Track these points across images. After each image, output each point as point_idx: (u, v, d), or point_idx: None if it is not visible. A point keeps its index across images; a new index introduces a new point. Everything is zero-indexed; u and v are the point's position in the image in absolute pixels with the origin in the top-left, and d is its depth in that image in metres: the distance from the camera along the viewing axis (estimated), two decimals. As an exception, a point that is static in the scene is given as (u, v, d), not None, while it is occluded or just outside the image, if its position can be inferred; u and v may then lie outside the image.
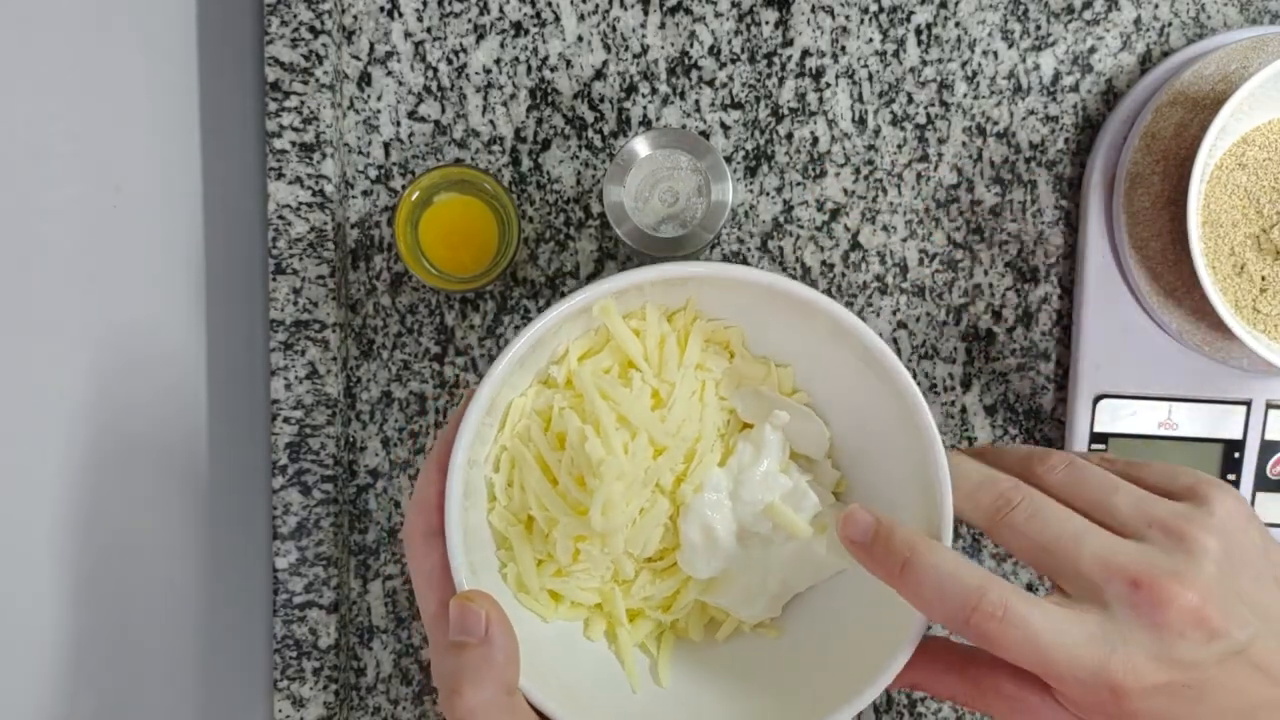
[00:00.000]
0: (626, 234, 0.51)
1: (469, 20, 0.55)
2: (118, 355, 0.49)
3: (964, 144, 0.56)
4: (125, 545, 0.50)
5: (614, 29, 0.55)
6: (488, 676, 0.37)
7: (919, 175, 0.56)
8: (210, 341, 0.55)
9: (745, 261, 0.56)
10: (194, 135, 0.55)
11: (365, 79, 0.56)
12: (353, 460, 0.57)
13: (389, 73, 0.56)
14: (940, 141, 0.56)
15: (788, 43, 0.55)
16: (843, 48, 0.55)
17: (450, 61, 0.56)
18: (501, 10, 0.55)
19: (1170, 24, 0.55)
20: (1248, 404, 0.55)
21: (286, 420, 0.55)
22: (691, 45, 0.55)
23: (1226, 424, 0.55)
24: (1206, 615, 0.36)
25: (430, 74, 0.56)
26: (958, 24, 0.55)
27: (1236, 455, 0.55)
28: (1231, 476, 0.55)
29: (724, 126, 0.56)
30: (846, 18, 0.55)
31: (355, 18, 0.55)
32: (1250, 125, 0.51)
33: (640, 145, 0.50)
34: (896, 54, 0.55)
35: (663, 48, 0.55)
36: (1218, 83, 0.51)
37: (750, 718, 0.43)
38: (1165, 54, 0.55)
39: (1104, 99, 0.56)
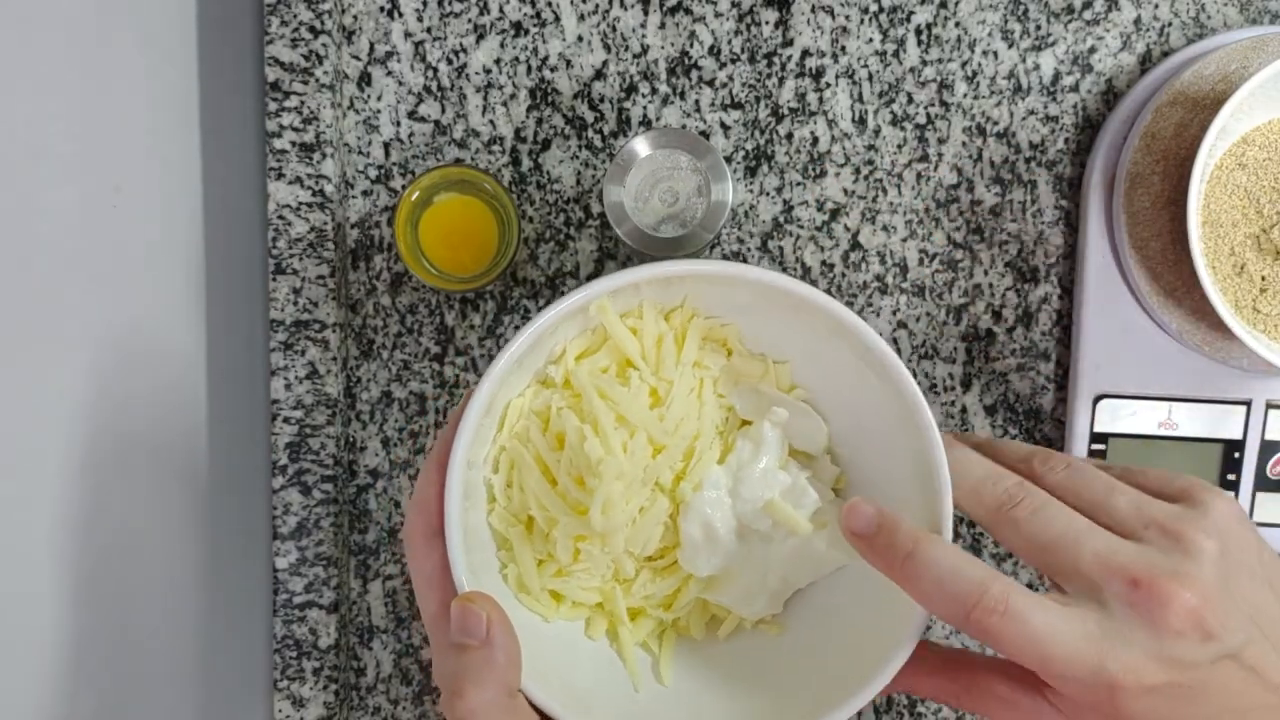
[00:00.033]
0: (626, 234, 0.51)
1: (469, 20, 0.55)
2: (118, 355, 0.49)
3: (964, 144, 0.56)
4: (125, 545, 0.50)
5: (614, 29, 0.55)
6: (489, 678, 0.37)
7: (919, 175, 0.56)
8: (210, 341, 0.55)
9: (745, 261, 0.56)
10: (194, 135, 0.55)
11: (365, 79, 0.56)
12: (353, 460, 0.57)
13: (389, 73, 0.56)
14: (940, 141, 0.56)
15: (788, 43, 0.55)
16: (843, 48, 0.55)
17: (450, 61, 0.56)
18: (501, 10, 0.55)
19: (1170, 24, 0.55)
20: (1248, 404, 0.55)
21: (286, 420, 0.55)
22: (691, 45, 0.55)
23: (1226, 424, 0.55)
24: (1204, 616, 0.36)
25: (430, 74, 0.56)
26: (958, 24, 0.55)
27: (1236, 455, 0.55)
28: (1231, 476, 0.55)
29: (724, 126, 0.56)
30: (846, 18, 0.55)
31: (355, 18, 0.55)
32: (1250, 125, 0.51)
33: (640, 145, 0.50)
34: (896, 54, 0.55)
35: (663, 48, 0.55)
36: (1218, 83, 0.51)
37: (753, 715, 0.43)
38: (1165, 54, 0.55)
39: (1104, 99, 0.56)
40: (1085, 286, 0.54)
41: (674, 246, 0.51)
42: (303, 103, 0.54)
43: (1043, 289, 0.56)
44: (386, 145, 0.56)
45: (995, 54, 0.55)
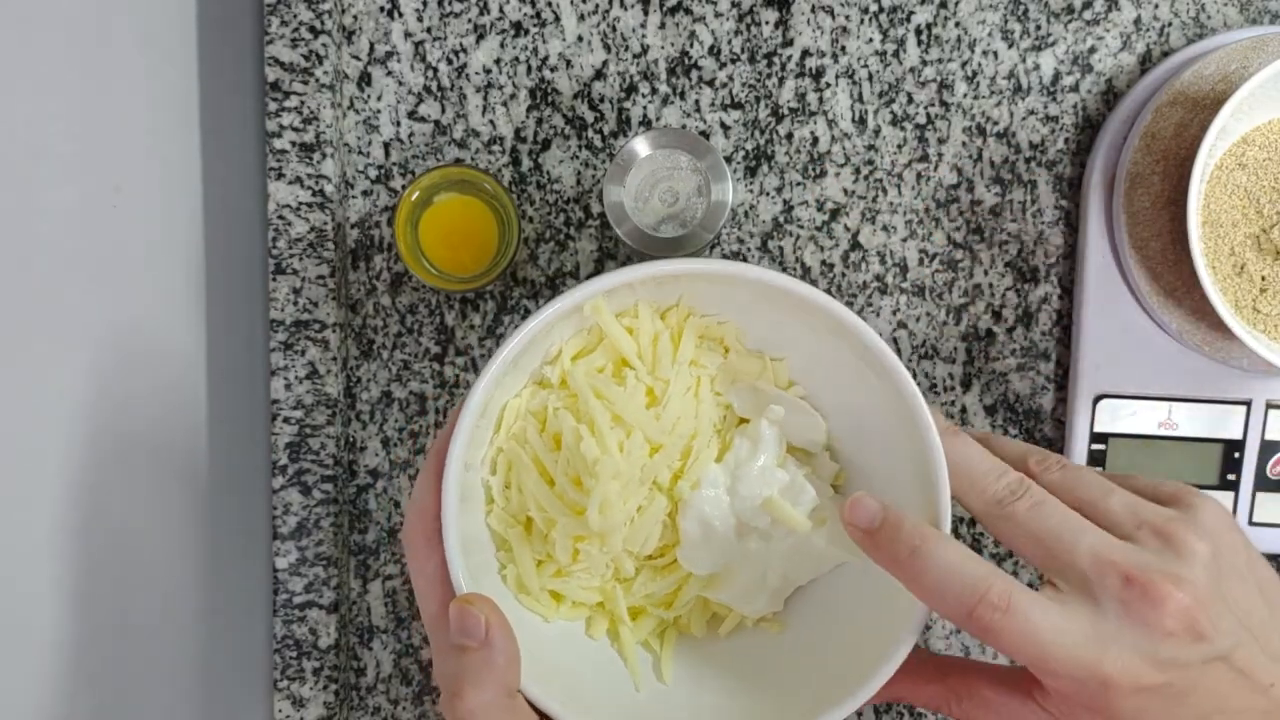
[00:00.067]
0: (626, 234, 0.51)
1: (469, 20, 0.55)
2: (118, 355, 0.49)
3: (964, 144, 0.56)
4: (125, 545, 0.50)
5: (614, 29, 0.55)
6: (488, 679, 0.38)
7: (919, 175, 0.56)
8: (210, 341, 0.55)
9: (745, 261, 0.56)
10: (194, 135, 0.55)
11: (365, 79, 0.56)
12: (353, 460, 0.57)
13: (389, 73, 0.56)
14: (940, 141, 0.56)
15: (788, 43, 0.55)
16: (843, 48, 0.55)
17: (450, 61, 0.56)
18: (501, 10, 0.55)
19: (1170, 24, 0.55)
20: (1248, 404, 0.55)
21: (286, 420, 0.55)
22: (691, 45, 0.55)
23: (1226, 424, 0.55)
24: (1196, 617, 0.36)
25: (430, 74, 0.56)
26: (958, 24, 0.55)
27: (1236, 455, 0.55)
28: (1231, 476, 0.55)
29: (724, 126, 0.56)
30: (846, 18, 0.55)
31: (355, 18, 0.55)
32: (1250, 125, 0.51)
33: (640, 145, 0.50)
34: (896, 54, 0.55)
35: (663, 48, 0.55)
36: (1218, 83, 0.51)
37: (754, 712, 0.43)
38: (1165, 54, 0.55)
39: (1104, 99, 0.56)
40: (1085, 286, 0.54)
41: (674, 246, 0.51)
42: (303, 103, 0.54)
43: (1043, 289, 0.56)
44: (386, 145, 0.56)
45: (995, 54, 0.55)
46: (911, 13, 0.55)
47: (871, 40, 0.55)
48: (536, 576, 0.44)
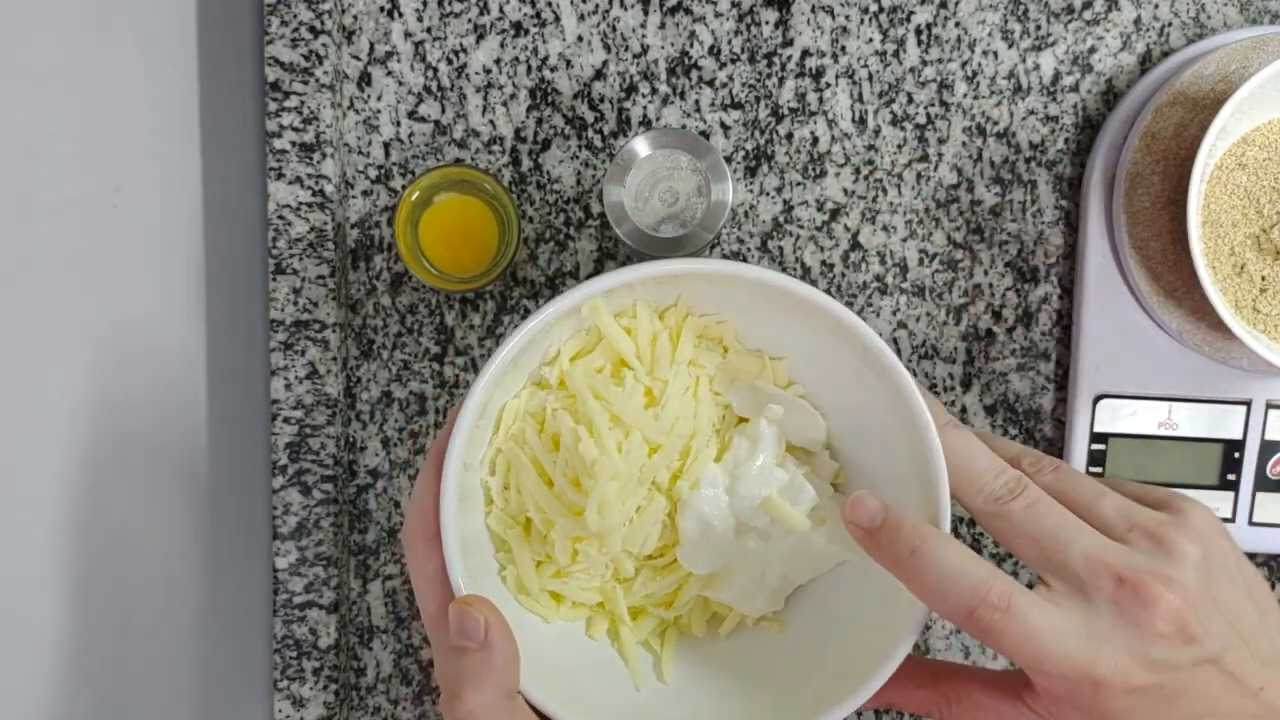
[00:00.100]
0: (626, 234, 0.51)
1: (469, 20, 0.55)
2: (118, 355, 0.49)
3: (964, 144, 0.56)
4: (125, 545, 0.50)
5: (614, 29, 0.55)
6: (487, 680, 0.38)
7: (919, 175, 0.56)
8: (210, 341, 0.55)
9: (745, 261, 0.56)
10: (194, 135, 0.55)
11: (365, 79, 0.56)
12: (353, 460, 0.57)
13: (389, 73, 0.56)
14: (940, 141, 0.56)
15: (788, 43, 0.55)
16: (843, 48, 0.55)
17: (450, 61, 0.56)
18: (501, 10, 0.55)
19: (1170, 24, 0.55)
20: (1248, 404, 0.55)
21: (286, 420, 0.55)
22: (691, 45, 0.55)
23: (1226, 424, 0.55)
24: (1186, 619, 0.36)
25: (430, 74, 0.56)
26: (958, 24, 0.55)
27: (1236, 455, 0.55)
28: (1231, 476, 0.55)
29: (724, 126, 0.56)
30: (846, 18, 0.55)
31: (355, 18, 0.55)
32: (1250, 125, 0.51)
33: (640, 145, 0.50)
34: (896, 54, 0.55)
35: (663, 48, 0.55)
36: (1218, 83, 0.51)
37: (755, 712, 0.43)
38: (1165, 54, 0.55)
39: (1104, 99, 0.56)
40: (1085, 286, 0.54)
41: (674, 246, 0.51)
42: (303, 103, 0.54)
43: (1043, 289, 0.56)
44: (386, 145, 0.56)
45: (995, 54, 0.55)
46: (911, 13, 0.55)
47: (871, 40, 0.55)
48: (536, 577, 0.44)
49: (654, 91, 0.56)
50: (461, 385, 0.57)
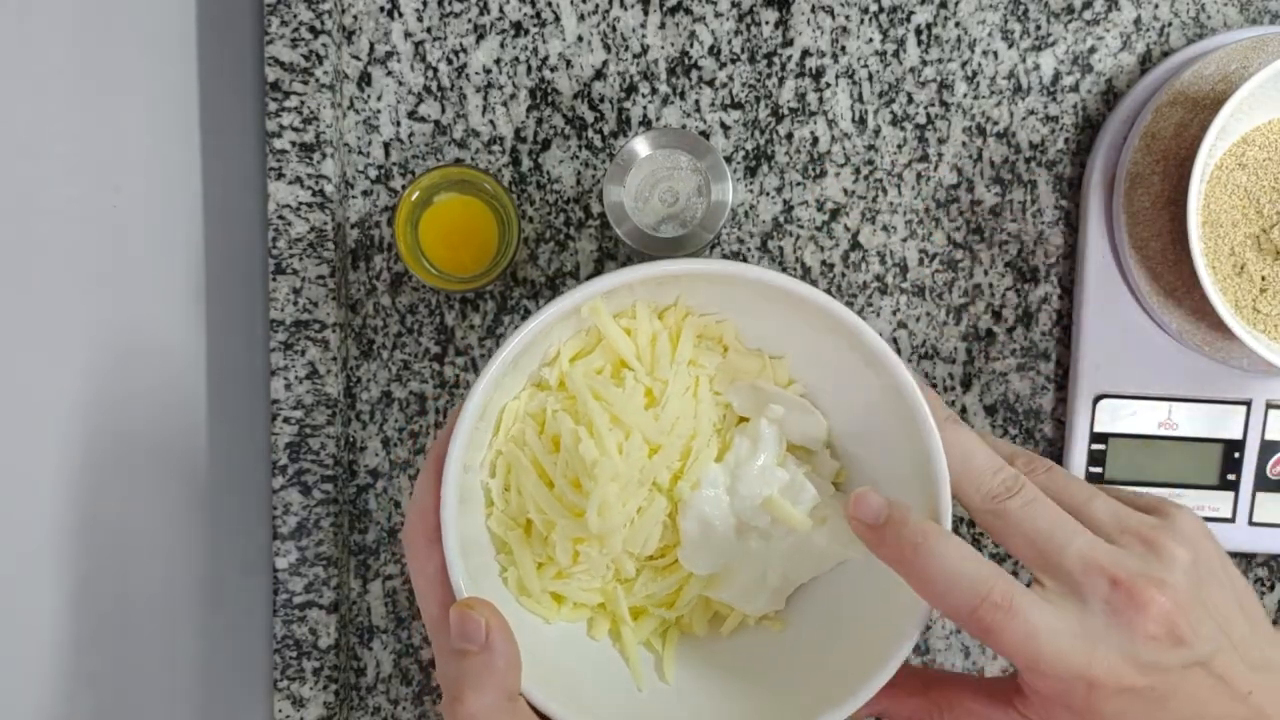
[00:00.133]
0: (626, 234, 0.51)
1: (469, 20, 0.55)
2: (117, 355, 0.49)
3: (964, 144, 0.56)
4: (125, 545, 0.50)
5: (614, 29, 0.55)
6: (488, 683, 0.38)
7: (919, 175, 0.56)
8: (210, 341, 0.55)
9: (745, 261, 0.56)
10: (194, 135, 0.55)
11: (365, 79, 0.56)
12: (353, 460, 0.57)
13: (389, 73, 0.56)
14: (940, 141, 0.56)
15: (788, 43, 0.55)
16: (843, 48, 0.55)
17: (450, 61, 0.56)
18: (501, 10, 0.55)
19: (1170, 24, 0.55)
20: (1248, 404, 0.55)
21: (286, 420, 0.55)
22: (691, 45, 0.55)
23: (1226, 424, 0.55)
24: (1177, 622, 0.37)
25: (430, 74, 0.56)
26: (958, 24, 0.55)
27: (1236, 455, 0.55)
28: (1231, 476, 0.55)
29: (724, 126, 0.56)
30: (846, 18, 0.55)
31: (355, 18, 0.55)
32: (1250, 125, 0.51)
33: (640, 145, 0.50)
34: (896, 54, 0.55)
35: (663, 48, 0.55)
36: (1218, 83, 0.51)
37: (757, 712, 0.43)
38: (1165, 54, 0.55)
39: (1104, 99, 0.56)
40: (1085, 286, 0.54)
41: (674, 246, 0.51)
42: (303, 103, 0.54)
43: (1043, 289, 0.56)
44: (386, 145, 0.56)
45: (995, 54, 0.55)
46: (911, 13, 0.55)
47: (871, 40, 0.55)
48: (537, 579, 0.44)
49: (654, 91, 0.56)
50: (461, 385, 0.57)
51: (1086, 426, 0.55)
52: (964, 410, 0.57)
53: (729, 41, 0.55)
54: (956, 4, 0.55)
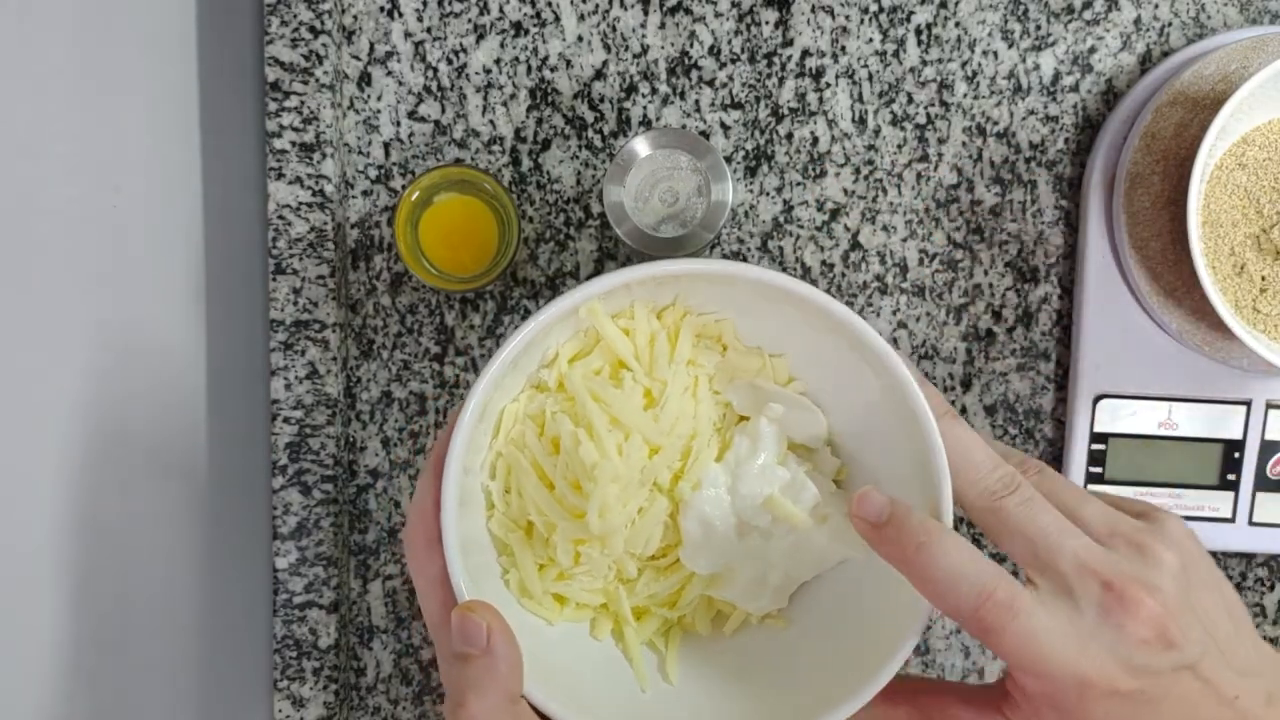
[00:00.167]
0: (626, 234, 0.51)
1: (469, 20, 0.55)
2: (117, 355, 0.49)
3: (964, 144, 0.56)
4: (125, 545, 0.50)
5: (614, 29, 0.55)
6: (490, 687, 0.38)
7: (919, 175, 0.56)
8: (210, 341, 0.55)
9: (745, 261, 0.56)
10: (194, 135, 0.55)
11: (365, 79, 0.56)
12: (353, 460, 0.57)
13: (389, 73, 0.56)
14: (940, 141, 0.56)
15: (788, 43, 0.55)
16: (843, 48, 0.55)
17: (450, 61, 0.56)
18: (501, 10, 0.55)
19: (1170, 24, 0.55)
20: (1248, 404, 0.55)
21: (286, 420, 0.55)
22: (691, 45, 0.55)
23: (1226, 424, 0.55)
24: (1167, 625, 0.37)
25: (430, 74, 0.56)
26: (958, 24, 0.55)
27: (1236, 455, 0.55)
28: (1231, 476, 0.55)
29: (724, 126, 0.56)
30: (846, 18, 0.55)
31: (355, 18, 0.55)
32: (1250, 125, 0.51)
33: (640, 145, 0.50)
34: (896, 54, 0.55)
35: (663, 48, 0.55)
36: (1218, 83, 0.51)
37: (760, 711, 0.43)
38: (1165, 54, 0.55)
39: (1104, 99, 0.56)
40: (1085, 286, 0.54)
41: (674, 246, 0.51)
42: (303, 103, 0.54)
43: (1043, 289, 0.56)
44: (386, 145, 0.56)
45: (995, 54, 0.55)
46: (911, 13, 0.55)
47: (871, 40, 0.55)
48: (539, 580, 0.43)
49: (654, 91, 0.56)
50: (461, 385, 0.57)
51: (1086, 426, 0.55)
52: (964, 410, 0.57)
53: (729, 41, 0.55)
54: (956, 4, 0.55)
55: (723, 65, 0.55)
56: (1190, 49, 0.54)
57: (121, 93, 0.49)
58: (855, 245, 0.56)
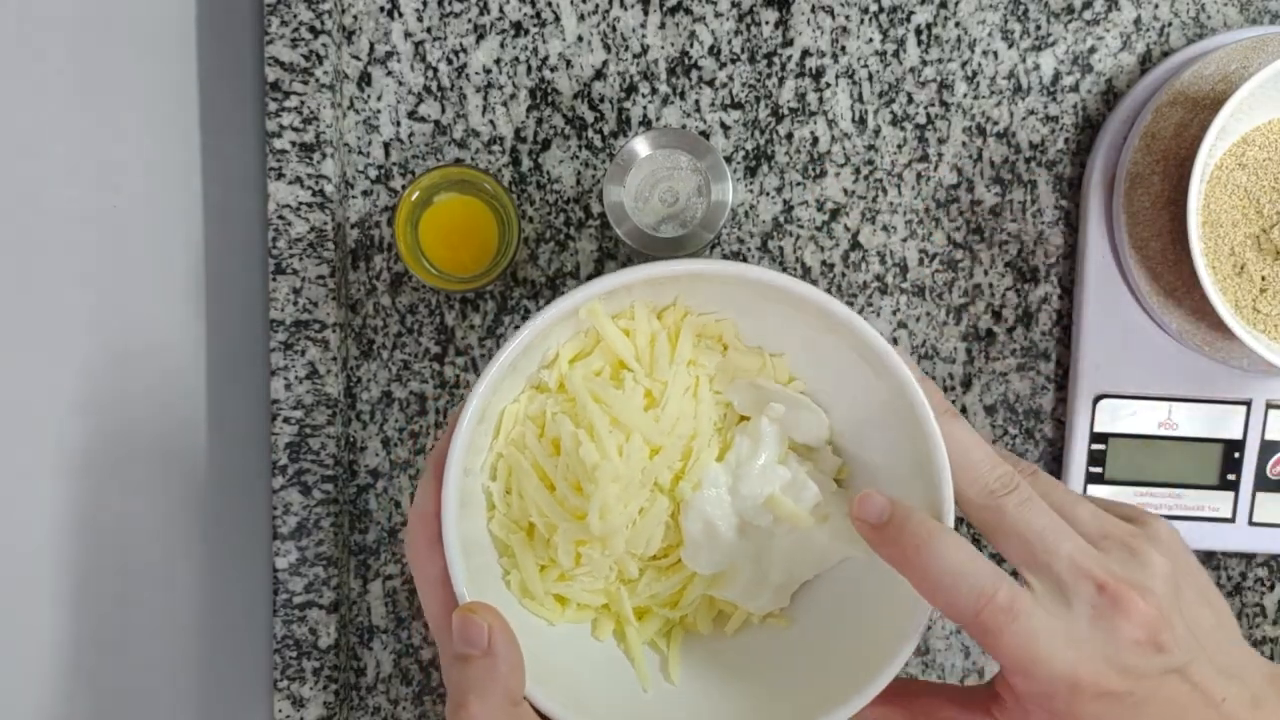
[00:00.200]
0: (626, 234, 0.51)
1: (469, 20, 0.55)
2: (117, 355, 0.49)
3: (964, 144, 0.56)
4: (125, 546, 0.50)
5: (614, 29, 0.55)
6: (491, 688, 0.38)
7: (919, 175, 0.56)
8: (210, 341, 0.55)
9: (745, 261, 0.56)
10: (194, 135, 0.55)
11: (365, 79, 0.56)
12: (353, 460, 0.57)
13: (389, 73, 0.56)
14: (940, 141, 0.56)
15: (788, 43, 0.55)
16: (843, 48, 0.55)
17: (450, 61, 0.56)
18: (501, 10, 0.55)
19: (1170, 24, 0.55)
20: (1248, 404, 0.55)
21: (286, 420, 0.55)
22: (691, 45, 0.55)
23: (1226, 424, 0.55)
24: (1158, 628, 0.37)
25: (430, 74, 0.56)
26: (958, 24, 0.55)
27: (1236, 455, 0.55)
28: (1231, 476, 0.55)
29: (724, 126, 0.56)
30: (846, 18, 0.55)
31: (355, 18, 0.55)
32: (1250, 125, 0.51)
33: (640, 145, 0.50)
34: (896, 54, 0.55)
35: (663, 48, 0.55)
36: (1218, 83, 0.51)
37: (763, 710, 0.43)
38: (1165, 54, 0.55)
39: (1104, 99, 0.56)
40: (1085, 286, 0.54)
41: (674, 246, 0.51)
42: (303, 103, 0.54)
43: (1043, 289, 0.56)
44: (386, 145, 0.56)
45: (995, 54, 0.55)
46: (911, 13, 0.55)
47: (871, 40, 0.55)
48: (540, 581, 0.43)
49: (654, 91, 0.56)
50: (462, 385, 0.57)
51: (1086, 426, 0.55)
52: (964, 410, 0.57)
53: (729, 41, 0.55)
54: (956, 4, 0.55)
55: (723, 65, 0.55)
56: (1190, 49, 0.54)
57: (121, 93, 0.49)
58: (855, 245, 0.56)
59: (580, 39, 0.55)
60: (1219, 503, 0.55)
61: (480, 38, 0.55)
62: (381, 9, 0.55)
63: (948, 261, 0.56)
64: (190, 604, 0.54)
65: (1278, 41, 0.52)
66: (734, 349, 0.45)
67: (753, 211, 0.56)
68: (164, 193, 0.53)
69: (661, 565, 0.45)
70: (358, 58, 0.56)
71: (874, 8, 0.55)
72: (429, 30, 0.55)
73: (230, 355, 0.57)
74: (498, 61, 0.56)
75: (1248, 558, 0.57)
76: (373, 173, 0.56)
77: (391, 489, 0.57)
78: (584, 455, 0.41)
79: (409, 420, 0.57)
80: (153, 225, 0.52)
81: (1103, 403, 0.55)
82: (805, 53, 0.55)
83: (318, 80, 0.54)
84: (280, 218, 0.54)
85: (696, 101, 0.56)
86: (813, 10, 0.55)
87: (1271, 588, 0.57)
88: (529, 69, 0.56)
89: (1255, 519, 0.55)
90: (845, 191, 0.56)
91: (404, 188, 0.54)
